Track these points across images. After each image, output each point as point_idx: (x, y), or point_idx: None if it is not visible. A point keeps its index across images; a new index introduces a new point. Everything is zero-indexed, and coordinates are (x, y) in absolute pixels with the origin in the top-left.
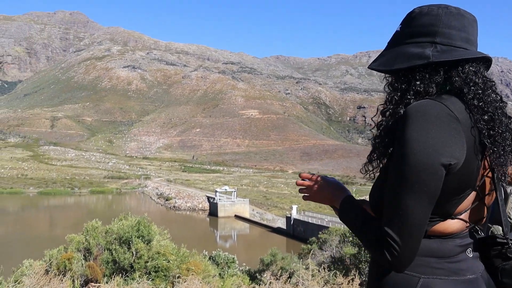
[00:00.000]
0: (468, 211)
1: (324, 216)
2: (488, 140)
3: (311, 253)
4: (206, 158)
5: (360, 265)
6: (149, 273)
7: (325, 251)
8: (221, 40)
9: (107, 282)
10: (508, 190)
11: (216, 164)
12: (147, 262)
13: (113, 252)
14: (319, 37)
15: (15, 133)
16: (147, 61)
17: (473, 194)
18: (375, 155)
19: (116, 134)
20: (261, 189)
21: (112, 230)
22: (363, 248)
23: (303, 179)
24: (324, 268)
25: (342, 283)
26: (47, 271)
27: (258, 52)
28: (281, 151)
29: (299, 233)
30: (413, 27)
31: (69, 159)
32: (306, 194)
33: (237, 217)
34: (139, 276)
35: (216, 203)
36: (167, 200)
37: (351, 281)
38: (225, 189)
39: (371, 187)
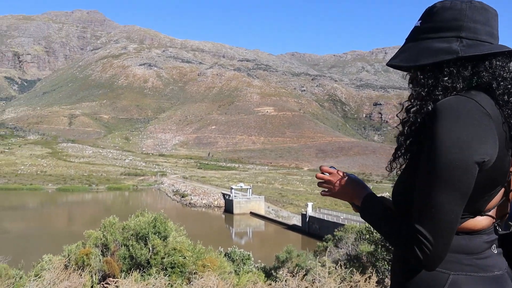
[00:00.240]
0: (496, 208)
1: (339, 213)
2: None
3: (328, 251)
4: (222, 155)
5: (377, 263)
6: (166, 269)
7: (341, 249)
8: (236, 38)
9: (124, 278)
10: None
11: (232, 161)
12: (164, 258)
13: (130, 248)
14: (335, 34)
15: (34, 130)
16: (163, 58)
17: (502, 191)
18: (400, 152)
19: (133, 132)
20: (276, 186)
21: (129, 226)
22: (380, 246)
23: (323, 173)
24: (340, 266)
25: (359, 281)
26: (66, 266)
27: (273, 49)
28: (296, 148)
29: (314, 230)
30: (436, 22)
31: (86, 156)
32: (325, 189)
33: (253, 214)
34: (156, 272)
35: (232, 200)
36: (183, 196)
37: (368, 279)
38: (241, 186)
39: (387, 184)
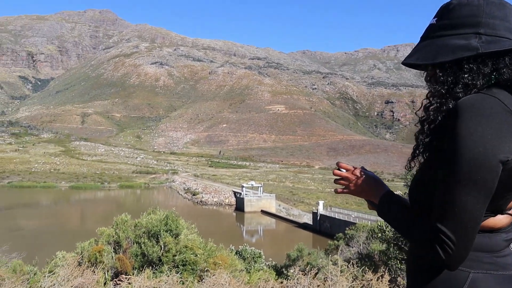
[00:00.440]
0: None
1: (351, 212)
2: None
3: (339, 249)
4: (233, 154)
5: (389, 262)
6: (177, 267)
7: (352, 247)
8: (247, 36)
9: (136, 275)
10: None
11: (243, 159)
12: (175, 255)
13: (142, 245)
14: (346, 31)
15: (47, 129)
16: (174, 57)
17: None
18: (419, 150)
19: (144, 130)
20: (287, 185)
21: (141, 224)
22: (392, 245)
23: (340, 169)
24: (352, 264)
25: (371, 280)
26: (79, 263)
27: (284, 47)
28: (307, 147)
29: (325, 228)
30: (453, 19)
31: (99, 154)
32: (341, 186)
33: (263, 212)
34: (168, 270)
35: (243, 198)
36: (194, 195)
37: (380, 277)
38: (252, 184)
39: (399, 183)
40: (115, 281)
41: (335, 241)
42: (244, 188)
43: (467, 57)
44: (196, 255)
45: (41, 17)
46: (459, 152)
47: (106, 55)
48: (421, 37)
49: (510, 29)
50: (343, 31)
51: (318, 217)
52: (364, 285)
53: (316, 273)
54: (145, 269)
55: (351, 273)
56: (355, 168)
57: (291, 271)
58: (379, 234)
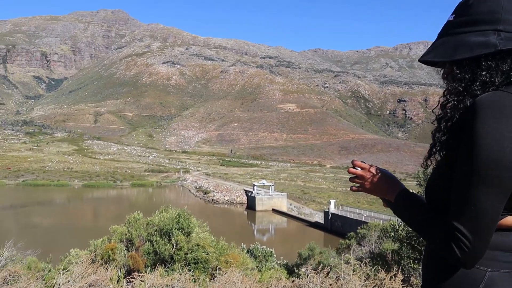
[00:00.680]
0: None
1: (362, 211)
2: None
3: (352, 249)
4: (244, 152)
5: (402, 261)
6: (189, 265)
7: (364, 247)
8: (258, 35)
9: (149, 273)
10: None
11: (254, 158)
12: (187, 254)
13: (154, 243)
14: (358, 30)
15: (61, 128)
16: (186, 56)
17: None
18: (435, 149)
19: (156, 129)
20: (298, 183)
21: (153, 222)
22: (405, 244)
23: (355, 167)
24: (365, 263)
25: (384, 279)
26: (93, 261)
27: (296, 46)
28: (319, 145)
29: (337, 228)
30: (471, 15)
31: (111, 153)
32: (356, 184)
33: (275, 211)
34: (180, 267)
35: (254, 197)
36: (205, 193)
37: (393, 277)
38: (263, 183)
39: (411, 182)
40: (128, 278)
41: (347, 240)
42: (255, 187)
43: (485, 54)
44: (208, 254)
45: (55, 18)
46: (476, 151)
47: (119, 55)
48: (438, 34)
49: None
50: (355, 29)
51: (330, 216)
52: (376, 284)
53: (328, 272)
54: (157, 267)
55: (364, 272)
56: (370, 166)
57: (303, 270)
58: (392, 233)
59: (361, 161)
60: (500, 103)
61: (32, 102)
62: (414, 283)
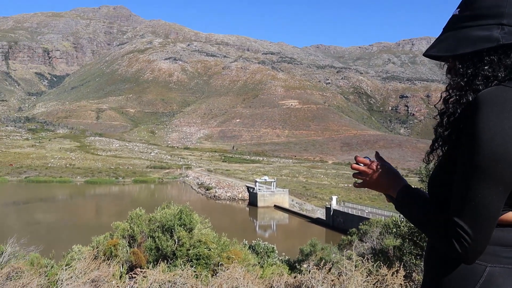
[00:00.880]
0: None
1: (364, 207)
2: None
3: (354, 245)
4: (246, 149)
5: (404, 257)
6: (191, 261)
7: (365, 243)
8: (260, 30)
9: (151, 269)
10: None
11: (256, 154)
12: (189, 250)
13: (156, 239)
14: (360, 25)
15: (63, 124)
16: (188, 52)
17: None
18: (438, 144)
19: (158, 125)
20: (300, 180)
21: (155, 218)
22: (407, 240)
23: (358, 163)
24: (367, 259)
25: (386, 275)
26: (95, 257)
27: (298, 42)
28: (321, 142)
29: (338, 224)
30: (475, 10)
31: (113, 149)
32: (359, 180)
33: (277, 207)
34: (182, 263)
35: (256, 193)
36: (207, 189)
37: (395, 273)
38: (265, 179)
39: (413, 178)
40: (130, 274)
41: (349, 236)
42: (257, 183)
43: (487, 48)
44: (210, 250)
45: (57, 14)
46: (478, 146)
47: (120, 51)
48: (443, 28)
49: None
50: (358, 25)
51: (332, 212)
52: (378, 280)
53: (330, 268)
54: (159, 263)
55: (366, 268)
56: (372, 162)
57: (305, 266)
58: (394, 229)
59: (364, 157)
60: (502, 98)
61: (34, 98)
62: (416, 279)
